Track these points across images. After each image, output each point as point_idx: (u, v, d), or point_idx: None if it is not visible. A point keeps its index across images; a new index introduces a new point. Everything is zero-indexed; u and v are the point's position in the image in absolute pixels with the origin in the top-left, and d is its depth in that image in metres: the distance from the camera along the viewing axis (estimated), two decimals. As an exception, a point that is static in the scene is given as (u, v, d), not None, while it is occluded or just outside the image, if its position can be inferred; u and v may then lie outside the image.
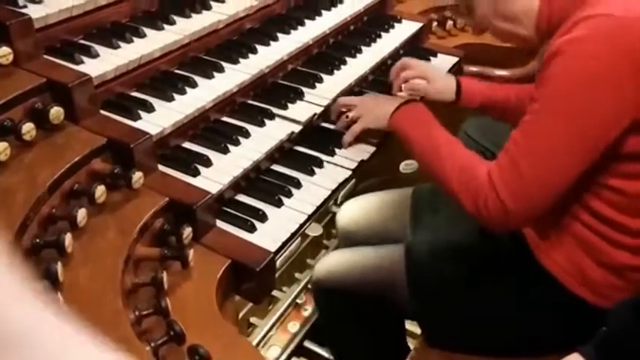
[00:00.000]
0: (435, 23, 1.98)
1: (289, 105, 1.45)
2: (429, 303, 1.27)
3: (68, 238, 0.93)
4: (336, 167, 1.36)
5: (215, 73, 1.40)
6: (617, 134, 0.99)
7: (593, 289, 1.11)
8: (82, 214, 0.99)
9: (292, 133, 1.38)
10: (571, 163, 1.00)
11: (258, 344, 1.78)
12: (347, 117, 1.42)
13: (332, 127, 1.48)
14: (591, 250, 1.09)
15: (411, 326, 1.73)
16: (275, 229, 1.18)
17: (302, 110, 1.45)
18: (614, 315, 0.91)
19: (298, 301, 2.02)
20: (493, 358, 1.23)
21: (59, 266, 0.86)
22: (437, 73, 1.52)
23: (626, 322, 0.87)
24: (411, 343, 1.75)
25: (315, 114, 1.45)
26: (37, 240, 0.93)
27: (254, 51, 1.50)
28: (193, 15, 1.47)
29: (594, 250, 1.09)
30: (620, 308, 0.92)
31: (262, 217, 1.19)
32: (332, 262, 1.48)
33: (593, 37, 0.95)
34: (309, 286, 2.11)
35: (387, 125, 1.30)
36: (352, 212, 1.64)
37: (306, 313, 2.02)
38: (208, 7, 1.50)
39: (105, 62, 1.25)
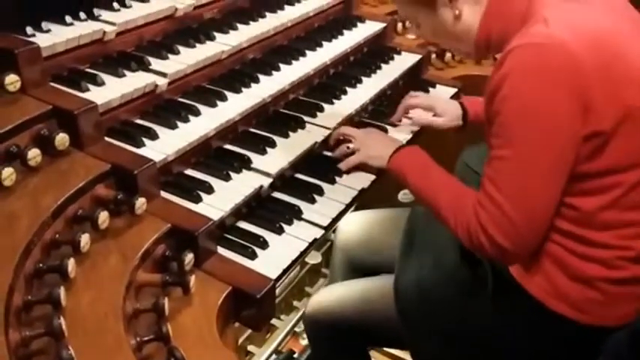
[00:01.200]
0: (433, 55, 2.03)
1: (290, 133, 1.47)
2: (417, 329, 1.29)
3: (71, 264, 0.93)
4: (337, 195, 1.37)
5: (218, 102, 1.42)
6: (576, 146, 1.01)
7: (571, 305, 1.12)
8: (85, 240, 1.00)
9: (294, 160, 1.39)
10: (546, 184, 1.03)
11: (255, 374, 1.77)
12: (347, 147, 1.44)
13: (332, 154, 1.50)
14: (563, 265, 1.11)
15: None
16: (276, 256, 1.18)
17: (303, 138, 1.47)
18: (608, 348, 0.91)
19: (296, 329, 2.01)
20: None
21: (62, 291, 0.87)
22: (445, 106, 1.56)
23: (620, 351, 0.87)
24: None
25: (315, 142, 1.47)
26: (41, 265, 0.93)
27: (256, 80, 1.52)
28: (197, 45, 1.50)
29: (566, 266, 1.11)
30: (614, 340, 0.92)
31: (263, 244, 1.20)
32: (324, 296, 1.50)
33: (517, 72, 0.99)
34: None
35: (384, 167, 1.34)
36: (352, 225, 1.67)
37: (304, 342, 2.01)
38: (212, 38, 1.54)
39: (110, 90, 1.28)
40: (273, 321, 1.96)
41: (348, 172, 1.43)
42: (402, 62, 1.89)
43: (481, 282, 1.22)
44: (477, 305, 1.21)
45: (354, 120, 1.65)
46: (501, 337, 1.20)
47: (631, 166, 1.04)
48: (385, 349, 1.97)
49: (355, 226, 1.67)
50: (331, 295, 1.49)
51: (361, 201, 1.43)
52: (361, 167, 1.43)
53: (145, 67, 1.38)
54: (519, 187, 1.03)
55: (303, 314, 2.03)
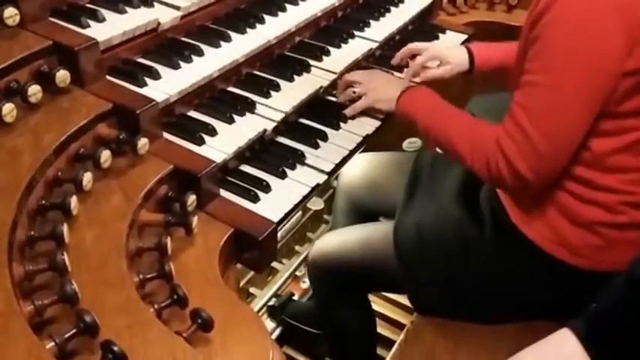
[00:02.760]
0: (445, 0, 1.96)
1: (295, 77, 1.44)
2: (416, 274, 1.30)
3: (74, 201, 0.94)
4: (341, 141, 1.36)
5: (222, 43, 1.39)
6: (614, 82, 0.98)
7: (570, 249, 1.13)
8: (87, 178, 0.99)
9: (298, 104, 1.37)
10: (578, 117, 1.00)
11: (257, 313, 1.81)
12: (354, 92, 1.41)
13: (337, 100, 1.48)
14: (565, 209, 1.11)
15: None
16: (278, 200, 1.18)
17: (308, 82, 1.44)
18: (604, 289, 0.92)
19: (297, 273, 2.05)
20: (483, 324, 1.27)
21: (65, 227, 0.87)
22: (449, 54, 1.51)
23: (616, 296, 0.87)
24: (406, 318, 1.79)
25: (320, 87, 1.44)
26: (43, 201, 0.94)
27: (262, 21, 1.48)
28: (201, -18, 1.45)
29: (567, 209, 1.11)
30: (611, 283, 0.92)
31: (266, 188, 1.20)
32: (326, 242, 1.52)
33: None
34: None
35: (392, 109, 1.31)
36: (355, 167, 1.67)
37: (304, 285, 2.05)
38: (216, -25, 1.48)
39: (112, 27, 1.24)
40: (275, 264, 2.00)
41: (353, 117, 1.41)
42: (412, 6, 1.83)
43: (480, 227, 1.22)
44: (476, 251, 1.22)
45: (361, 65, 1.61)
46: (499, 282, 1.21)
47: None
48: (385, 294, 2.01)
49: (358, 168, 1.67)
50: (334, 240, 1.50)
51: (365, 148, 1.42)
52: (368, 112, 1.41)
53: (148, 4, 1.34)
54: (550, 116, 1.00)
55: (306, 258, 2.07)
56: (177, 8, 1.35)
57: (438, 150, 1.32)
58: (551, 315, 1.02)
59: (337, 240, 1.49)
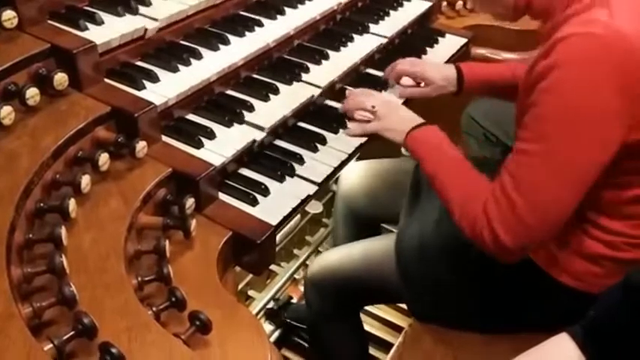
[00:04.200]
0: (444, 3, 1.96)
1: (294, 81, 1.45)
2: (416, 283, 1.29)
3: (72, 204, 0.94)
4: (340, 145, 1.36)
5: (221, 46, 1.39)
6: (609, 160, 0.95)
7: (572, 275, 1.11)
8: (85, 181, 0.99)
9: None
10: (569, 191, 0.97)
11: (255, 316, 1.81)
12: (373, 106, 1.34)
13: (336, 104, 1.47)
14: (569, 240, 1.09)
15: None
16: (277, 203, 1.18)
17: (306, 86, 1.44)
18: (602, 296, 0.92)
19: (296, 276, 2.05)
20: (481, 334, 1.26)
21: (63, 230, 0.87)
22: (434, 73, 1.46)
23: (613, 301, 0.88)
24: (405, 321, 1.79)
25: (319, 91, 1.44)
26: (41, 204, 0.94)
27: (260, 24, 1.48)
28: (200, -14, 1.45)
29: (572, 241, 1.09)
30: (608, 291, 0.93)
31: (264, 192, 1.20)
32: (326, 257, 1.51)
33: (569, 64, 0.90)
34: (307, 263, 2.14)
35: (400, 142, 1.27)
36: (354, 175, 1.66)
37: (303, 289, 2.04)
38: (215, -22, 1.49)
39: (110, 30, 1.24)
40: (274, 268, 2.00)
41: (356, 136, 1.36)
42: (411, 9, 1.83)
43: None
44: (476, 264, 1.20)
45: (360, 70, 1.62)
46: (496, 295, 1.20)
47: None
48: (375, 312, 2.00)
49: (357, 177, 1.66)
50: (334, 255, 1.49)
51: (365, 152, 1.42)
52: (373, 137, 1.36)
53: (146, 5, 1.34)
54: (540, 188, 0.96)
55: (305, 262, 2.07)
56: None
57: None
58: (547, 329, 0.99)
59: (338, 254, 1.48)
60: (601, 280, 1.11)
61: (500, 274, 1.18)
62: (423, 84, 1.49)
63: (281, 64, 1.52)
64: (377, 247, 1.39)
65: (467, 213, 1.06)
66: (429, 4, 1.87)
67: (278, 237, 1.17)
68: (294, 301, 1.99)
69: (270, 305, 1.92)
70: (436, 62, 1.62)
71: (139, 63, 1.31)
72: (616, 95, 0.90)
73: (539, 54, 0.98)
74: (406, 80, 1.51)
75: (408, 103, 1.47)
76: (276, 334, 1.91)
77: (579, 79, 0.91)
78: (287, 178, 1.25)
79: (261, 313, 1.92)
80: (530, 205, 0.97)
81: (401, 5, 1.84)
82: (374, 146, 1.42)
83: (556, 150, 0.95)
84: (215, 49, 1.38)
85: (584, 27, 0.91)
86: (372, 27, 1.71)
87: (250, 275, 1.87)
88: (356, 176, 1.66)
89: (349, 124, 1.38)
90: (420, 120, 1.28)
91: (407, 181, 1.46)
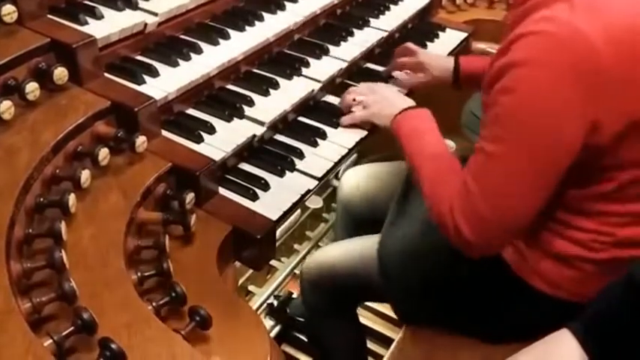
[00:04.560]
0: (444, -3, 1.96)
1: (294, 75, 1.44)
2: (400, 291, 1.29)
3: (72, 198, 0.93)
4: (340, 139, 1.35)
5: (221, 40, 1.38)
6: (570, 162, 0.92)
7: (547, 281, 1.09)
8: (85, 176, 0.99)
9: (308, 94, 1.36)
10: (528, 193, 0.94)
11: (255, 311, 1.81)
12: (354, 99, 1.37)
13: (336, 99, 1.47)
14: (540, 242, 1.07)
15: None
16: (277, 198, 1.18)
17: (306, 81, 1.44)
18: (602, 291, 0.92)
19: (296, 271, 2.05)
20: (471, 338, 1.25)
21: (63, 225, 0.87)
22: (431, 62, 1.47)
23: (615, 296, 0.87)
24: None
25: (319, 85, 1.43)
26: (41, 199, 0.93)
27: (261, 19, 1.48)
28: (200, -20, 1.44)
29: (543, 243, 1.06)
30: (610, 286, 0.92)
31: (265, 186, 1.20)
32: (322, 254, 1.51)
33: (525, 64, 0.87)
34: (308, 258, 2.14)
35: (388, 126, 1.27)
36: (352, 180, 1.65)
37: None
38: (215, -28, 1.48)
39: (109, 24, 1.24)
40: (274, 263, 2.00)
41: (348, 126, 1.37)
42: (412, 4, 1.82)
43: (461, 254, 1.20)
44: (455, 269, 1.19)
45: (360, 64, 1.61)
46: (476, 301, 1.19)
47: (630, 165, 0.96)
48: (376, 307, 2.00)
49: (355, 182, 1.65)
50: (330, 252, 1.49)
51: (365, 146, 1.42)
52: (366, 125, 1.37)
53: (146, 1, 1.33)
54: (498, 188, 0.95)
55: (305, 257, 2.07)
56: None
57: None
58: (528, 337, 0.95)
59: (334, 251, 1.48)
60: (578, 286, 1.07)
61: (477, 282, 1.17)
62: (421, 75, 1.49)
63: (281, 58, 1.51)
64: (373, 244, 1.38)
65: (436, 201, 1.04)
66: (430, -2, 1.86)
67: (278, 232, 1.17)
68: (295, 296, 1.99)
69: (271, 301, 1.92)
70: (435, 53, 1.63)
71: (139, 57, 1.30)
72: (574, 96, 0.86)
73: (498, 49, 0.95)
74: (404, 74, 1.53)
75: (412, 95, 1.47)
76: (277, 329, 1.91)
77: (536, 80, 0.87)
78: (287, 172, 1.24)
79: (262, 308, 1.93)
80: (489, 203, 0.95)
81: (401, 0, 1.83)
82: (374, 141, 1.42)
83: (512, 153, 0.92)
84: (215, 43, 1.37)
85: (542, 25, 0.87)
86: (373, 21, 1.70)
87: (250, 270, 1.87)
88: (354, 182, 1.64)
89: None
90: (409, 103, 1.27)
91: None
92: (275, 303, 1.91)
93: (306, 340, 1.88)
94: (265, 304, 1.93)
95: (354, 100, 1.38)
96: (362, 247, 1.42)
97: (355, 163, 2.03)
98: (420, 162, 1.13)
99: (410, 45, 1.54)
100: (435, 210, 1.05)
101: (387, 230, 1.36)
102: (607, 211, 1.02)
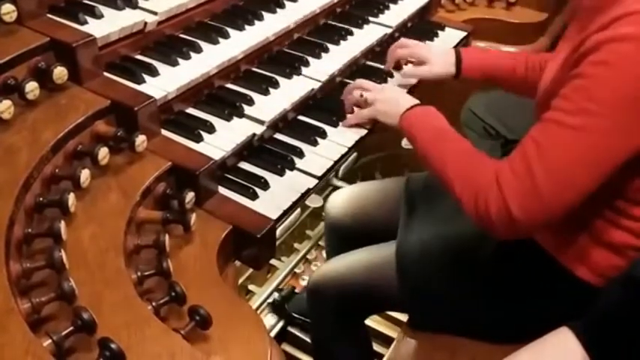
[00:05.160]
0: (444, -4, 1.95)
1: (294, 74, 1.44)
2: (419, 297, 1.27)
3: (71, 198, 0.93)
4: (339, 138, 1.35)
5: (220, 39, 1.38)
6: None
7: (592, 269, 1.08)
8: (85, 175, 0.99)
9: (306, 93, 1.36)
10: (593, 172, 0.92)
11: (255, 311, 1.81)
12: (361, 95, 1.36)
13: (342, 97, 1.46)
14: (592, 230, 1.06)
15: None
16: (277, 197, 1.18)
17: (307, 80, 1.43)
18: (604, 290, 0.92)
19: (296, 270, 2.05)
20: (477, 341, 1.24)
21: (62, 224, 0.87)
22: (433, 55, 1.47)
23: (615, 295, 0.87)
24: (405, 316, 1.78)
25: (319, 84, 1.43)
26: (41, 198, 0.93)
27: (260, 18, 1.48)
28: (200, -21, 1.44)
29: (595, 230, 1.05)
30: (610, 284, 0.92)
31: (264, 185, 1.20)
32: (328, 267, 1.49)
33: (635, 41, 0.85)
34: (308, 257, 2.14)
35: (395, 125, 1.25)
36: (339, 201, 1.64)
37: (304, 283, 2.05)
38: (215, -29, 1.48)
39: (109, 23, 1.24)
40: (274, 262, 2.00)
41: (353, 125, 1.37)
42: (411, 3, 1.82)
43: (483, 243, 1.18)
44: (483, 266, 1.19)
45: (359, 62, 1.61)
46: (503, 301, 1.17)
47: None
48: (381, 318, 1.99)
49: (341, 203, 1.63)
50: (336, 264, 1.47)
51: (363, 146, 1.42)
52: (370, 123, 1.37)
53: (145, 0, 1.33)
54: (565, 163, 0.91)
55: (305, 256, 2.07)
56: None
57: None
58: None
59: (340, 264, 1.46)
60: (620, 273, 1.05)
61: (510, 274, 1.16)
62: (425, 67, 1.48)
63: (281, 57, 1.51)
64: (379, 254, 1.37)
65: (470, 186, 1.01)
66: (430, -3, 1.86)
67: (278, 231, 1.16)
68: (298, 291, 1.98)
69: (275, 297, 1.92)
70: (435, 45, 1.62)
71: (139, 57, 1.30)
72: None
73: (595, 25, 0.91)
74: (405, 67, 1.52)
75: (412, 94, 1.47)
76: (277, 328, 1.91)
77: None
78: (287, 171, 1.24)
79: (262, 307, 1.93)
80: (551, 179, 0.92)
81: (401, -2, 1.83)
82: (372, 140, 1.42)
83: (595, 128, 0.89)
84: (215, 42, 1.37)
85: None
86: (372, 20, 1.70)
87: (250, 269, 1.87)
88: (340, 203, 1.63)
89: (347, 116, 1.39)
90: (415, 101, 1.27)
91: (393, 199, 1.44)
92: (277, 299, 1.91)
93: (307, 339, 1.87)
94: (266, 303, 1.93)
95: (361, 95, 1.36)
96: (368, 257, 1.40)
97: (355, 162, 2.03)
98: (444, 154, 1.09)
99: (405, 40, 1.54)
100: (472, 195, 1.00)
101: (402, 239, 1.32)
102: None
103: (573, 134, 0.91)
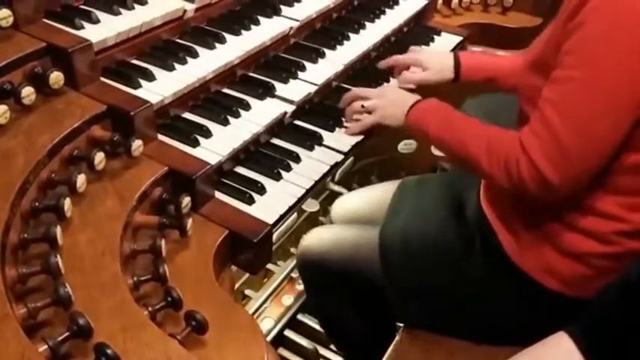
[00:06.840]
0: (440, 1, 1.96)
1: (290, 79, 1.44)
2: (400, 282, 1.27)
3: (67, 203, 0.93)
4: (335, 143, 1.36)
5: (217, 44, 1.38)
6: None
7: (559, 279, 1.10)
8: (81, 180, 0.99)
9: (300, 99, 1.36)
10: (615, 120, 0.91)
11: (251, 316, 1.81)
12: (362, 106, 1.35)
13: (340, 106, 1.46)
14: (554, 238, 1.07)
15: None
16: (273, 202, 1.18)
17: (302, 85, 1.44)
18: (599, 295, 0.92)
19: (293, 275, 2.04)
20: (472, 342, 1.24)
21: (58, 229, 0.87)
22: (431, 60, 1.47)
23: (612, 299, 0.88)
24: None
25: (315, 89, 1.44)
26: (37, 203, 0.93)
27: (256, 22, 1.48)
28: (196, -16, 1.45)
29: (557, 238, 1.07)
30: (606, 289, 0.93)
31: (261, 190, 1.20)
32: (315, 237, 1.47)
33: None
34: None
35: (403, 123, 1.25)
36: (341, 210, 1.62)
37: (300, 287, 2.04)
38: (211, -24, 1.48)
39: (106, 28, 1.24)
40: (270, 266, 1.99)
41: (356, 134, 1.36)
42: (407, 8, 1.83)
43: (467, 245, 1.20)
44: (461, 268, 1.19)
45: (356, 67, 1.61)
46: (481, 301, 1.19)
47: None
48: None
49: (343, 211, 1.61)
50: (327, 234, 1.45)
51: (361, 151, 1.42)
52: (376, 129, 1.36)
53: (142, 4, 1.33)
54: (585, 115, 0.90)
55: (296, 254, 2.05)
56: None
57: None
58: (531, 340, 0.93)
59: (329, 235, 1.44)
60: (591, 283, 1.06)
61: (484, 281, 1.17)
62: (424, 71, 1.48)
63: (277, 62, 1.51)
64: (368, 236, 1.35)
65: (497, 157, 1.01)
66: (425, 2, 1.87)
67: (275, 235, 1.17)
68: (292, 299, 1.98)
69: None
70: (434, 50, 1.62)
71: (135, 61, 1.30)
72: None
73: None
74: (403, 72, 1.52)
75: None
76: (273, 333, 1.91)
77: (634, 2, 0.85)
78: (283, 176, 1.24)
79: (259, 312, 1.92)
80: (573, 133, 0.91)
81: (397, 3, 1.83)
82: (368, 144, 1.42)
83: (606, 72, 0.88)
84: (211, 47, 1.37)
85: None
86: (368, 25, 1.71)
87: (247, 274, 1.87)
88: (342, 211, 1.61)
89: (348, 124, 1.38)
90: (415, 98, 1.26)
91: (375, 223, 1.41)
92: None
93: (301, 343, 1.86)
94: (262, 308, 1.92)
95: (362, 106, 1.35)
96: (360, 236, 1.38)
97: (351, 167, 2.03)
98: (461, 135, 1.09)
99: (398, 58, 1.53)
100: (502, 166, 1.00)
101: (386, 224, 1.32)
102: (629, 189, 1.00)
103: (584, 86, 0.90)
